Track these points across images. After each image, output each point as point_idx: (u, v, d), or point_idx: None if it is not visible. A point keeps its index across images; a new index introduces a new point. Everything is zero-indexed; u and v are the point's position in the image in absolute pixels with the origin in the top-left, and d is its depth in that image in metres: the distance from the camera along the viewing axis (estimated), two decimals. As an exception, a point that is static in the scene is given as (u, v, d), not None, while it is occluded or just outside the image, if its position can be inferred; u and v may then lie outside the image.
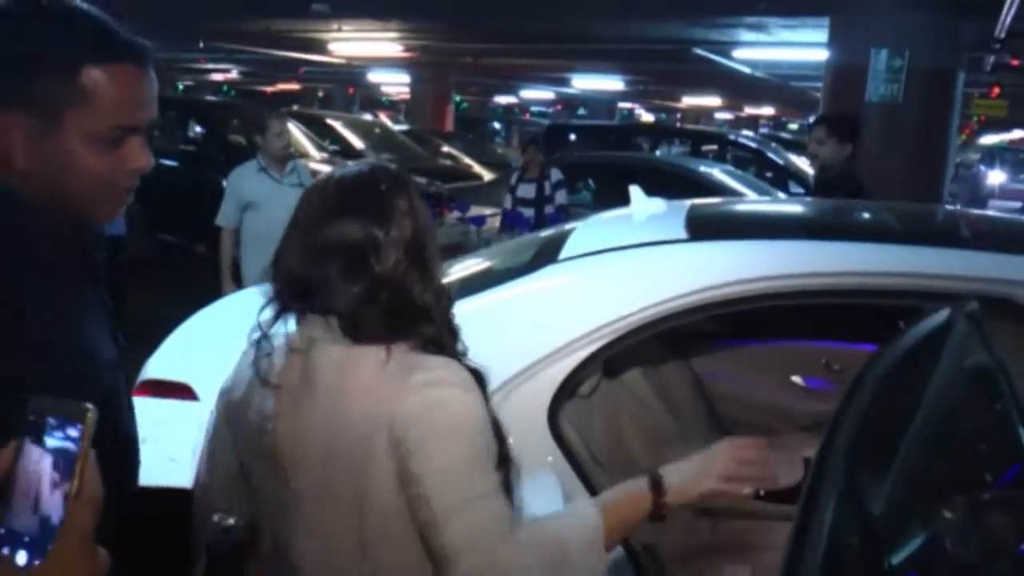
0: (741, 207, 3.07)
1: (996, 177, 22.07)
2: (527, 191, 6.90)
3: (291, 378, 1.31)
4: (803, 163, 10.66)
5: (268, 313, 1.35)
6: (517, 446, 1.38)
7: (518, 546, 1.24)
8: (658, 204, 2.43)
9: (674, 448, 2.53)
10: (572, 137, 12.76)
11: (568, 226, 2.73)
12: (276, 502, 1.33)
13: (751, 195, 7.49)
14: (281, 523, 1.33)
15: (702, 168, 8.79)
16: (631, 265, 2.19)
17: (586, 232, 2.51)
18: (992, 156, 23.21)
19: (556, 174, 6.94)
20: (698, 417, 2.87)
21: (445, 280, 2.69)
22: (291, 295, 1.32)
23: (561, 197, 6.88)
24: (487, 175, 11.89)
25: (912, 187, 5.42)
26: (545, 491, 1.77)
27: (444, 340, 1.33)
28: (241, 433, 1.39)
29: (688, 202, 2.78)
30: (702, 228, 2.31)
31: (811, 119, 5.51)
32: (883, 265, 2.09)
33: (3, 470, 0.74)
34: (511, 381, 1.93)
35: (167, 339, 2.71)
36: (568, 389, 2.02)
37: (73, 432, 0.73)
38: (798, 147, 12.76)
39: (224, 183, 5.12)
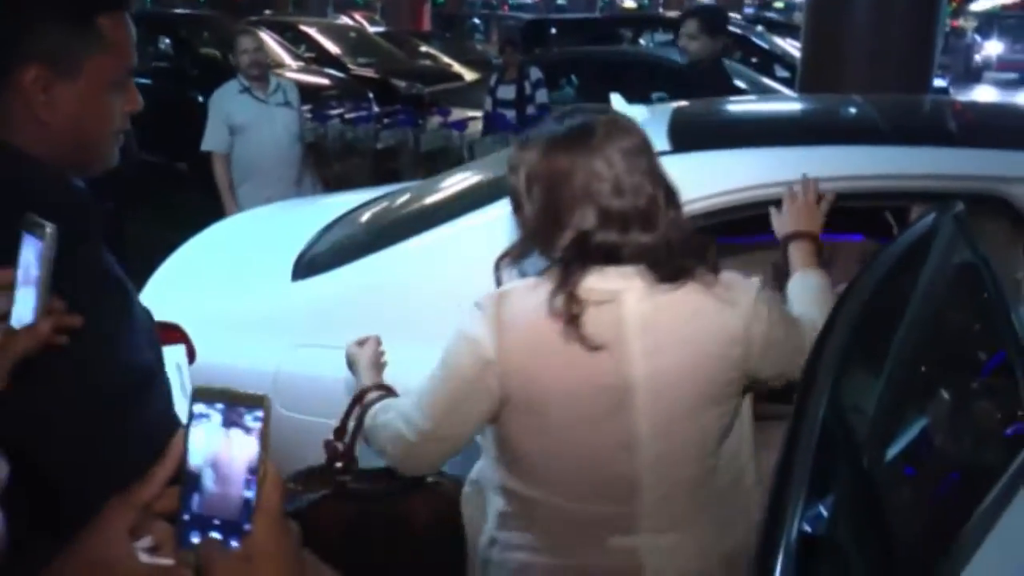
0: (722, 111, 3.03)
1: (993, 48, 20.70)
2: (507, 92, 6.79)
3: (608, 331, 1.39)
4: (789, 45, 10.44)
5: (554, 274, 1.41)
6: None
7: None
8: (640, 111, 2.38)
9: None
10: (553, 32, 12.46)
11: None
12: (617, 446, 1.44)
13: (736, 83, 7.36)
14: (626, 465, 1.45)
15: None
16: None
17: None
18: (990, 23, 21.70)
19: (535, 73, 6.82)
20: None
21: (442, 201, 2.68)
22: (588, 256, 1.39)
23: (542, 96, 6.77)
24: (468, 75, 11.66)
25: (902, 67, 5.32)
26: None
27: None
28: (553, 390, 1.42)
29: (670, 107, 2.75)
30: (684, 138, 2.28)
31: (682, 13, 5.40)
32: (870, 168, 2.09)
33: (177, 457, 0.76)
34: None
35: (158, 271, 2.70)
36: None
37: (258, 416, 0.75)
38: (786, 28, 12.45)
39: (200, 98, 4.86)
